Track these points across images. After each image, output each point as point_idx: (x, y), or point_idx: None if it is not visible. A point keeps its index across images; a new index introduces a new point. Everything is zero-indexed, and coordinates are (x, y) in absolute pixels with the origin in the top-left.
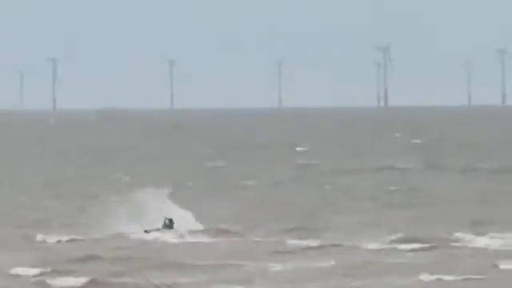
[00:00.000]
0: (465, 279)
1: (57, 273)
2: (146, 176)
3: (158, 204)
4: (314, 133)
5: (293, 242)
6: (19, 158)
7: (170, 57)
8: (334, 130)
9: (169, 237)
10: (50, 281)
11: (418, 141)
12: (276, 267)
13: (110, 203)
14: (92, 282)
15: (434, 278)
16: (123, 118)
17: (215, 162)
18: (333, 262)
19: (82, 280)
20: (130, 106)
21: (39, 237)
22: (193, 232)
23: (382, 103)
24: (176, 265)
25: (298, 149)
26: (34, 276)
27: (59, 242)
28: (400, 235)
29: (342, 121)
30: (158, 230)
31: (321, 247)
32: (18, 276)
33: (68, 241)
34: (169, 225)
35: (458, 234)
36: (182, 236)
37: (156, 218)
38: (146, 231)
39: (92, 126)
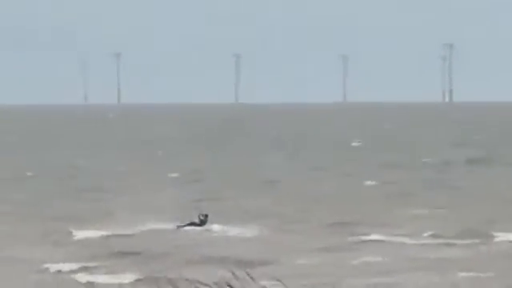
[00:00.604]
0: (505, 276)
1: (94, 269)
2: (194, 174)
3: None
4: (372, 128)
5: (333, 237)
6: (66, 152)
7: (235, 51)
8: (393, 125)
9: (205, 232)
10: (86, 277)
11: (477, 136)
12: (316, 262)
13: (149, 198)
14: (138, 278)
15: (474, 274)
16: (184, 113)
17: (266, 157)
18: (379, 258)
19: (127, 276)
20: (195, 101)
21: (74, 232)
22: (229, 227)
23: (447, 99)
24: (215, 260)
25: (352, 144)
26: (69, 272)
27: (94, 237)
28: (443, 231)
29: (403, 116)
30: (191, 224)
31: (362, 242)
32: (52, 272)
33: (103, 236)
34: (203, 220)
35: (502, 231)
36: (218, 231)
37: (192, 213)
38: (178, 226)
39: (152, 121)
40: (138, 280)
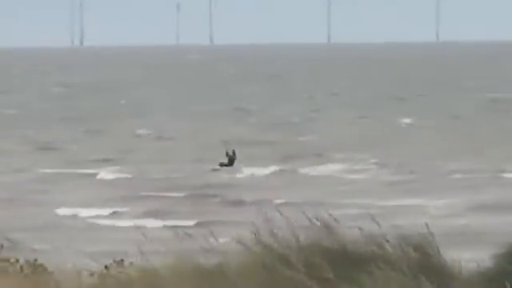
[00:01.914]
0: None
1: (127, 215)
2: (241, 112)
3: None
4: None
5: (387, 176)
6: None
7: None
8: (489, 65)
9: (236, 173)
10: (126, 221)
11: None
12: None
13: (188, 139)
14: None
15: None
16: (277, 53)
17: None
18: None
19: (174, 221)
20: (289, 41)
21: (100, 174)
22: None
23: None
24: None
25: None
26: (98, 217)
27: (121, 179)
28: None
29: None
30: (222, 165)
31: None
32: (76, 216)
33: (129, 178)
34: (232, 157)
35: None
36: (258, 173)
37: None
38: (213, 169)
39: (237, 61)
40: (196, 224)
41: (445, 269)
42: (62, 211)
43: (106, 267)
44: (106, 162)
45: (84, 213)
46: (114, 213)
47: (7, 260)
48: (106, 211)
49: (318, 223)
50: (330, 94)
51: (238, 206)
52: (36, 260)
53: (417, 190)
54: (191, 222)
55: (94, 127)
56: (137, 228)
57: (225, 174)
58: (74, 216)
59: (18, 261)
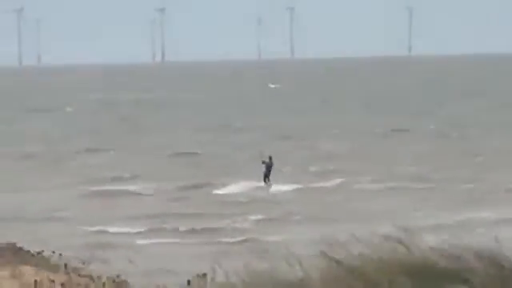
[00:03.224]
0: None
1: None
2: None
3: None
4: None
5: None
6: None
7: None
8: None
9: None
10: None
11: None
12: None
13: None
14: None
15: None
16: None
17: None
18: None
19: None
20: (371, 54)
21: (132, 190)
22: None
23: None
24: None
25: None
26: (139, 234)
27: (151, 195)
28: None
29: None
30: (266, 176)
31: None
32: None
33: (160, 195)
34: (269, 163)
35: None
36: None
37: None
38: (267, 184)
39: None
40: (241, 241)
41: None
42: (91, 228)
43: (188, 282)
44: (137, 178)
45: (122, 230)
46: (150, 230)
47: (89, 276)
48: (143, 228)
49: (391, 237)
50: (364, 105)
51: (284, 221)
52: (119, 276)
53: (472, 201)
54: (234, 239)
55: (135, 142)
56: (183, 245)
57: (265, 189)
58: (106, 232)
59: (99, 277)
